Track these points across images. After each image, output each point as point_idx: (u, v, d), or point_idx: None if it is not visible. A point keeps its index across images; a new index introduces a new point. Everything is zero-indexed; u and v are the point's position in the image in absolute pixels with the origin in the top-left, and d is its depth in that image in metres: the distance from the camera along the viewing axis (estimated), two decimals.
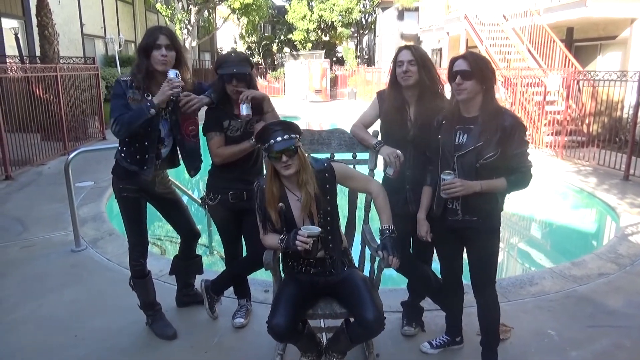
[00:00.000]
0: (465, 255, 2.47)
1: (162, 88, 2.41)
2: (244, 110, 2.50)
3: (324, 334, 2.68)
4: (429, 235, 2.45)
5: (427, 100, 2.49)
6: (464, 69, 2.16)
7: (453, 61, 2.23)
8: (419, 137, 2.49)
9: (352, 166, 2.68)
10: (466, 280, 2.51)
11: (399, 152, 2.46)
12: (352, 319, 2.25)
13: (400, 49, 2.54)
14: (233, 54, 2.68)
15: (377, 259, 2.33)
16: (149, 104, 2.40)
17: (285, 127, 2.17)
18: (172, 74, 2.41)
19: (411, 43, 23.08)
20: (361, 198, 2.67)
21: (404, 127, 2.55)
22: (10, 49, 11.43)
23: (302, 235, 2.07)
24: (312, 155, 2.36)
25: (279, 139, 2.11)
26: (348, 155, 2.71)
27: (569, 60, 10.26)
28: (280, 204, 2.22)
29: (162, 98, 2.41)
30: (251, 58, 2.74)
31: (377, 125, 2.73)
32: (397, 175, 2.48)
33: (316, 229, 2.12)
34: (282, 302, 2.18)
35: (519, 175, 2.24)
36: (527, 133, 8.66)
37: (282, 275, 2.45)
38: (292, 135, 2.14)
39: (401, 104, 2.55)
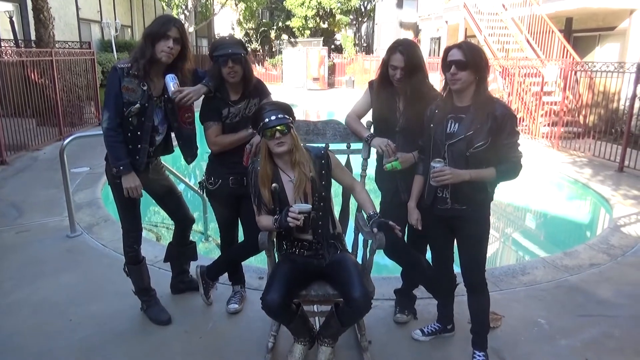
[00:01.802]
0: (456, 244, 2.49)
1: (131, 188, 2.52)
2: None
3: (316, 318, 2.72)
4: (419, 224, 2.47)
5: (416, 94, 2.50)
6: (459, 59, 2.16)
7: (447, 50, 2.22)
8: (408, 128, 2.52)
9: (346, 156, 2.72)
10: (458, 269, 2.53)
11: (388, 140, 2.50)
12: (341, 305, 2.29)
13: (394, 49, 2.48)
14: (227, 37, 2.69)
15: (370, 243, 2.37)
16: (122, 167, 2.50)
17: (279, 107, 2.27)
18: (169, 79, 2.44)
19: (410, 32, 22.97)
20: None
21: (393, 117, 2.57)
22: (5, 32, 11.33)
23: (294, 212, 2.13)
24: (308, 144, 2.40)
25: (273, 117, 2.20)
26: (342, 146, 2.73)
27: (567, 50, 10.24)
28: (274, 185, 2.28)
29: (126, 184, 2.53)
30: (248, 45, 2.74)
31: (370, 115, 2.75)
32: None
33: (307, 206, 2.19)
34: (276, 280, 2.25)
35: (509, 165, 2.24)
36: (524, 124, 8.62)
37: (277, 259, 2.49)
38: (285, 115, 2.23)
39: (390, 95, 2.58)
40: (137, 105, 2.47)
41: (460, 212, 2.31)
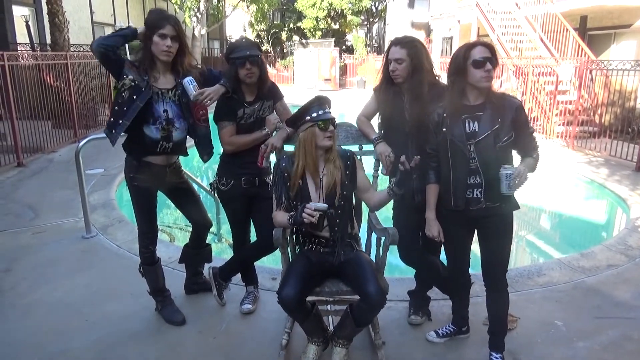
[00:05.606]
0: (473, 247, 2.46)
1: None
2: (265, 163, 2.61)
3: (330, 317, 2.71)
4: (441, 236, 2.41)
5: (422, 91, 2.47)
6: (491, 56, 2.17)
7: (470, 48, 2.20)
8: (417, 126, 2.48)
9: (358, 157, 2.70)
10: (472, 270, 2.51)
11: (390, 152, 2.52)
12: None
13: (390, 45, 2.52)
14: (243, 40, 2.72)
15: (383, 241, 2.36)
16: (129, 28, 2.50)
17: (324, 102, 2.36)
18: (187, 82, 2.46)
19: (421, 31, 22.85)
20: None
21: (402, 119, 2.54)
22: (22, 36, 11.48)
23: (309, 208, 2.14)
24: None
25: (327, 111, 2.33)
26: (354, 147, 2.72)
27: (582, 49, 10.10)
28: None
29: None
30: (260, 46, 2.76)
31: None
32: (390, 174, 2.57)
33: (323, 205, 2.19)
34: (292, 275, 2.26)
35: (536, 156, 2.29)
36: (538, 123, 8.58)
37: (290, 257, 2.51)
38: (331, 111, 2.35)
39: (396, 94, 2.56)
40: (131, 77, 2.45)
41: (494, 210, 2.28)
